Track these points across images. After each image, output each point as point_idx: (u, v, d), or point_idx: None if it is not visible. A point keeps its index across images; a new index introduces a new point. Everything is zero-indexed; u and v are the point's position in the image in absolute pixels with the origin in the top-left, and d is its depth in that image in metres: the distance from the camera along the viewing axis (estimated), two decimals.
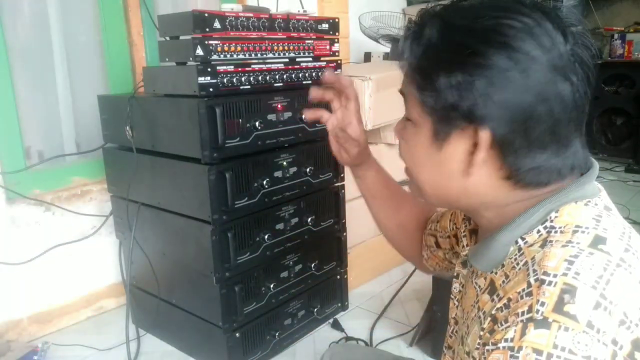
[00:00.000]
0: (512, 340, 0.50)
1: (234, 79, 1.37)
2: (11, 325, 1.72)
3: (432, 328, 1.62)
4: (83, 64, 1.94)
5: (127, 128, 1.53)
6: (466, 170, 0.60)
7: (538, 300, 0.50)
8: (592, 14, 3.99)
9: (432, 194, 0.67)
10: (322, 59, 1.63)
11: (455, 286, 0.75)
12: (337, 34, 1.65)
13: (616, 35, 3.87)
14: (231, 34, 1.36)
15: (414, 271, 1.92)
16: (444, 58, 0.57)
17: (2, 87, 1.67)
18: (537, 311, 0.49)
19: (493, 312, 0.55)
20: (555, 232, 0.57)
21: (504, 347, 0.50)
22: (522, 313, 0.51)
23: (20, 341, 1.70)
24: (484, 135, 0.56)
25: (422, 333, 1.66)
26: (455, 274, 0.76)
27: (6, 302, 1.70)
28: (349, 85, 0.90)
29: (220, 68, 1.34)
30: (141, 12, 1.98)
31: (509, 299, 0.54)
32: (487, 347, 0.53)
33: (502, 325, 0.53)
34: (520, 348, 0.49)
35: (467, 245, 0.74)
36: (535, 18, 0.55)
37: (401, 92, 0.67)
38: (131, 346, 1.64)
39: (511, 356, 0.49)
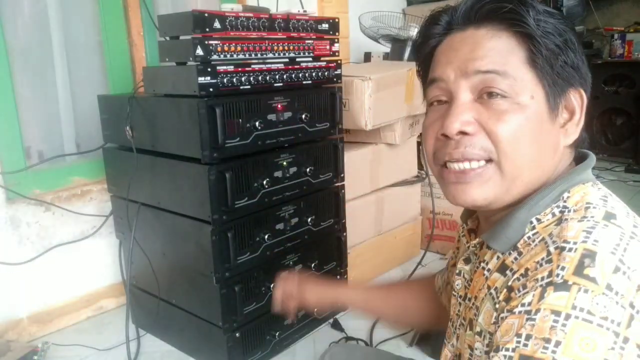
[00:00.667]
0: (529, 304, 0.51)
1: (234, 79, 1.37)
2: (11, 325, 1.72)
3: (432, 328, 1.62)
4: (83, 64, 1.94)
5: (127, 128, 1.53)
6: (567, 137, 0.64)
7: (558, 265, 0.52)
8: (592, 14, 3.99)
9: (522, 175, 0.62)
10: (322, 59, 1.63)
11: (458, 283, 0.76)
12: (337, 34, 1.65)
13: (616, 35, 3.87)
14: (231, 34, 1.36)
15: (414, 271, 1.93)
16: (557, 22, 0.62)
17: (2, 87, 1.67)
18: (557, 275, 0.51)
19: (509, 283, 0.57)
20: (569, 211, 0.59)
21: (519, 312, 0.51)
22: (542, 278, 0.52)
23: (20, 341, 1.70)
24: (583, 94, 0.64)
25: (422, 333, 1.66)
26: (457, 272, 0.76)
27: (6, 302, 1.70)
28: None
29: (220, 68, 1.34)
30: (141, 12, 1.98)
31: (527, 269, 0.55)
32: (502, 315, 0.54)
33: (519, 292, 0.54)
34: (537, 310, 0.49)
35: (467, 243, 0.75)
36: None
37: (491, 70, 0.61)
38: (131, 346, 1.64)
39: (528, 319, 0.50)
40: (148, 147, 1.53)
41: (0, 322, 1.70)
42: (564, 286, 0.50)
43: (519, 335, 0.49)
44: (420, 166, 2.34)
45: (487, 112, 0.61)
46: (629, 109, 3.78)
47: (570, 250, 0.52)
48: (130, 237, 1.61)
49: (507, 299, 0.55)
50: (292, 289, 1.04)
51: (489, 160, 0.62)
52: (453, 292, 0.77)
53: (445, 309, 0.91)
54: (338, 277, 1.81)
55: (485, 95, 0.61)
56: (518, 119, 0.60)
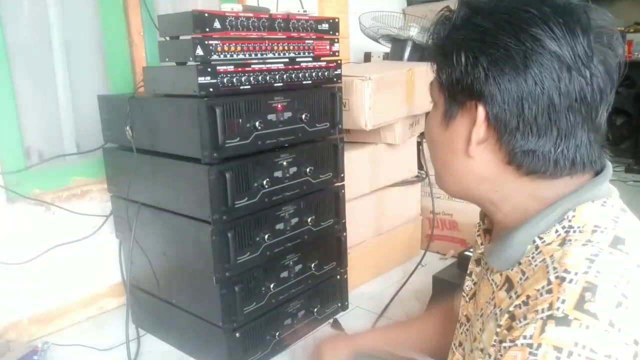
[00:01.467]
0: (531, 337, 0.50)
1: (234, 79, 1.37)
2: (11, 325, 1.72)
3: None
4: (83, 64, 1.93)
5: (127, 128, 1.53)
6: (468, 149, 0.62)
7: (559, 298, 0.50)
8: None
9: (445, 177, 0.69)
10: (322, 59, 1.63)
11: (468, 284, 0.75)
12: (337, 34, 1.65)
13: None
14: (231, 34, 1.36)
15: (414, 271, 1.93)
16: (460, 37, 0.61)
17: (2, 87, 1.67)
18: (558, 308, 0.49)
19: (511, 309, 0.55)
20: (574, 231, 0.57)
21: (522, 344, 0.50)
22: (542, 310, 0.51)
23: (20, 341, 1.70)
24: (480, 111, 0.59)
25: None
26: (468, 272, 0.76)
27: (6, 302, 1.70)
28: None
29: (220, 68, 1.34)
30: (141, 12, 1.98)
31: (528, 296, 0.54)
32: (504, 344, 0.53)
33: (520, 322, 0.52)
34: (539, 345, 0.48)
35: (481, 244, 0.74)
36: (555, 11, 0.57)
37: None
38: (131, 346, 1.64)
39: (530, 353, 0.49)
40: (148, 147, 1.53)
41: (0, 322, 1.69)
42: (565, 321, 0.48)
43: None
44: (420, 166, 2.34)
45: None
46: (629, 109, 3.78)
47: (570, 281, 0.51)
48: (130, 237, 1.61)
49: (509, 328, 0.54)
50: None
51: None
52: (463, 294, 0.77)
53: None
54: (338, 277, 1.81)
55: None
56: (428, 126, 0.70)
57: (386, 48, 2.72)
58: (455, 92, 0.62)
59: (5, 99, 1.68)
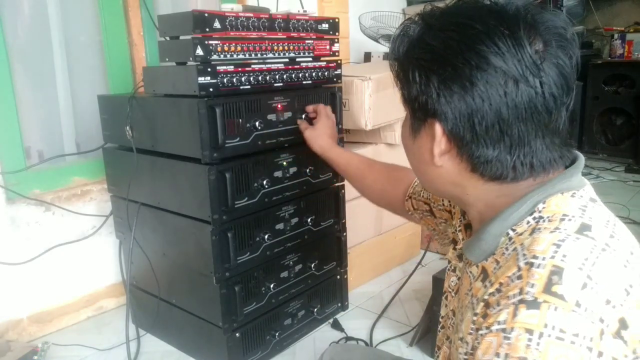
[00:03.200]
0: (504, 322, 0.51)
1: (234, 79, 1.37)
2: (11, 325, 1.72)
3: (432, 328, 1.62)
4: (83, 64, 1.94)
5: (127, 128, 1.53)
6: (433, 160, 0.65)
7: (528, 282, 0.52)
8: (592, 14, 4.00)
9: (421, 180, 0.75)
10: (322, 59, 1.63)
11: (453, 279, 0.77)
12: (337, 34, 1.65)
13: (616, 35, 3.87)
14: (231, 34, 1.36)
15: (414, 271, 1.93)
16: (415, 55, 0.62)
17: (2, 87, 1.67)
18: (527, 293, 0.51)
19: (485, 297, 0.58)
20: (544, 220, 0.59)
21: (496, 330, 0.52)
22: (514, 295, 0.53)
23: (20, 341, 1.70)
24: (437, 128, 0.62)
25: (422, 333, 1.67)
26: (452, 268, 0.78)
27: (6, 302, 1.70)
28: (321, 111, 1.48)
29: (220, 68, 1.34)
30: (141, 12, 1.98)
31: (501, 284, 0.56)
32: (480, 332, 0.55)
33: (494, 309, 0.54)
34: (512, 329, 0.50)
35: (462, 239, 0.76)
36: (501, 22, 0.58)
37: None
38: (131, 346, 1.64)
39: (504, 337, 0.51)
40: (148, 147, 1.53)
41: (0, 322, 1.70)
42: (534, 304, 0.50)
43: (497, 355, 0.50)
44: None
45: None
46: (629, 109, 3.78)
47: (538, 266, 0.53)
48: (130, 237, 1.61)
49: (484, 315, 0.56)
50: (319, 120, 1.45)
51: None
52: (448, 289, 0.78)
53: (402, 209, 1.09)
54: (338, 277, 1.81)
55: None
56: (402, 129, 0.74)
57: (386, 48, 2.72)
58: (415, 109, 0.65)
59: (6, 99, 1.68)
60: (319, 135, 1.43)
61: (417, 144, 0.68)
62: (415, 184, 1.05)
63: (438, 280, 1.58)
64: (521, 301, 0.51)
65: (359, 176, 1.27)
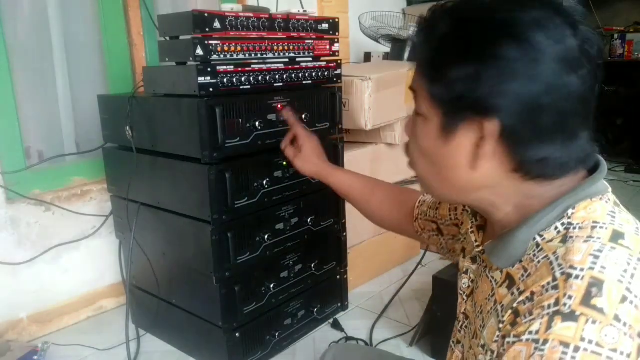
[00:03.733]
0: (537, 332, 0.50)
1: (234, 79, 1.37)
2: (11, 325, 1.72)
3: (432, 328, 1.62)
4: (83, 64, 1.94)
5: (127, 128, 1.53)
6: (473, 163, 0.60)
7: (565, 294, 0.51)
8: (592, 14, 3.99)
9: (439, 188, 0.67)
10: (322, 59, 1.63)
11: (464, 282, 0.76)
12: (337, 34, 1.65)
13: (616, 35, 3.87)
14: (231, 34, 1.36)
15: (414, 271, 1.93)
16: (454, 50, 0.58)
17: (2, 87, 1.67)
18: (565, 304, 0.50)
19: (514, 305, 0.56)
20: (574, 228, 0.57)
21: (527, 340, 0.50)
22: (549, 306, 0.51)
23: (20, 341, 1.70)
24: (492, 127, 0.57)
25: (422, 333, 1.66)
26: (464, 270, 0.76)
27: (6, 302, 1.70)
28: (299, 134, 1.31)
29: (220, 68, 1.34)
30: (141, 12, 1.98)
31: (533, 293, 0.54)
32: (507, 340, 0.53)
33: (525, 317, 0.53)
34: (546, 341, 0.49)
35: (475, 241, 0.74)
36: (545, 11, 0.56)
37: (411, 88, 0.66)
38: (131, 346, 1.64)
39: (536, 348, 0.49)
40: (148, 147, 1.53)
41: (0, 322, 1.70)
42: (572, 316, 0.49)
43: None
44: None
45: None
46: (629, 109, 3.78)
47: (577, 277, 0.51)
48: (130, 237, 1.61)
49: (513, 323, 0.55)
50: (302, 144, 1.30)
51: None
52: (460, 291, 0.77)
53: (411, 231, 1.04)
54: (338, 277, 1.81)
55: None
56: (418, 132, 0.66)
57: (386, 48, 2.72)
58: (457, 108, 0.59)
59: (5, 99, 1.68)
60: (309, 161, 1.31)
61: (449, 148, 0.61)
62: (419, 204, 1.01)
63: (438, 280, 1.58)
64: (557, 312, 0.50)
65: (363, 201, 1.21)
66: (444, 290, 1.54)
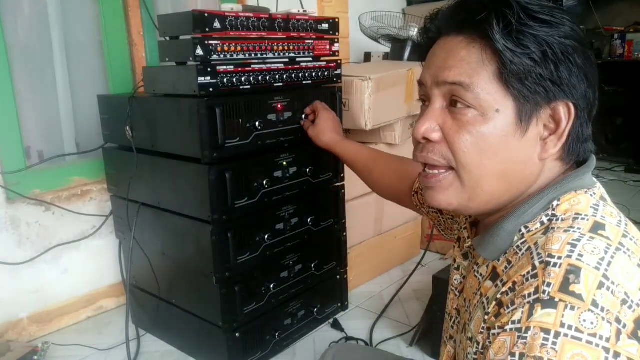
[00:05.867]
0: (519, 321, 0.51)
1: (234, 79, 1.37)
2: (11, 325, 1.72)
3: (432, 328, 1.62)
4: (83, 64, 1.94)
5: (127, 128, 1.53)
6: (542, 154, 0.61)
7: (544, 282, 0.52)
8: (592, 14, 3.99)
9: (482, 186, 0.62)
10: (322, 59, 1.63)
11: (456, 278, 0.77)
12: (337, 34, 1.65)
13: (616, 35, 3.87)
14: (231, 34, 1.36)
15: (414, 271, 1.93)
16: (548, 40, 0.58)
17: (2, 87, 1.67)
18: (544, 292, 0.51)
19: (498, 296, 0.57)
20: (557, 220, 0.59)
21: (511, 329, 0.51)
22: (529, 295, 0.52)
23: (20, 341, 1.70)
24: (569, 109, 0.60)
25: (422, 333, 1.66)
26: (456, 266, 0.77)
27: (6, 302, 1.70)
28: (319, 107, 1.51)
29: (220, 68, 1.34)
30: (141, 12, 1.98)
31: (514, 283, 0.55)
32: (492, 331, 0.54)
33: (508, 308, 0.54)
34: (528, 328, 0.50)
35: (468, 238, 0.75)
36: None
37: (457, 82, 0.60)
38: (131, 346, 1.64)
39: (519, 337, 0.50)
40: (148, 147, 1.53)
41: (0, 322, 1.70)
42: (551, 303, 0.50)
43: (512, 355, 0.50)
44: None
45: (451, 121, 0.62)
46: (629, 109, 3.78)
47: (555, 265, 0.52)
48: (130, 237, 1.61)
49: (497, 314, 0.56)
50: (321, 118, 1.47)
51: (450, 168, 0.63)
52: (451, 287, 0.78)
53: (410, 204, 1.08)
54: (338, 277, 1.81)
55: (453, 104, 0.61)
56: (478, 131, 0.60)
57: (386, 48, 2.72)
58: (541, 91, 0.58)
59: (6, 99, 1.68)
60: (322, 131, 1.44)
61: (524, 142, 0.60)
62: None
63: (438, 280, 1.58)
64: (537, 300, 0.51)
65: (366, 171, 1.27)
66: (444, 290, 1.53)
